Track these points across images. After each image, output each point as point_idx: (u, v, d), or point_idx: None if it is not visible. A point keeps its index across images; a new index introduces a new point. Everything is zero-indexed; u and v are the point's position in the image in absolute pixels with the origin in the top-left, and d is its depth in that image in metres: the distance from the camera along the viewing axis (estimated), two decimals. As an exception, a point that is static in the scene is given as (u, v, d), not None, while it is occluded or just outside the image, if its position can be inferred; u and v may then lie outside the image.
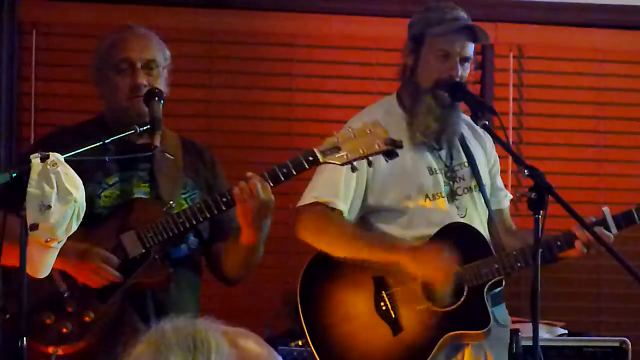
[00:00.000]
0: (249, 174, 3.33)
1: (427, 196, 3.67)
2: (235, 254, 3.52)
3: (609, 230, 3.54)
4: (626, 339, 4.24)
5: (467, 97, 3.68)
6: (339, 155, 3.26)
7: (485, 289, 3.59)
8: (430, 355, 3.57)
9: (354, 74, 4.95)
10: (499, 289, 3.70)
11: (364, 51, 4.96)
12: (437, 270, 3.56)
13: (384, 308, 3.62)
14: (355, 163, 3.26)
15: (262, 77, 4.92)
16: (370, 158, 3.28)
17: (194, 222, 3.38)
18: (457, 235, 3.64)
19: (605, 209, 3.52)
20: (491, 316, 3.58)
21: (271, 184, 3.32)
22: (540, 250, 3.52)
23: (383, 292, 3.62)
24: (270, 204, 3.33)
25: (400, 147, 3.27)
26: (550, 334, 4.35)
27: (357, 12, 4.96)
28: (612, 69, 5.11)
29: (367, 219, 3.72)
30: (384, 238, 3.63)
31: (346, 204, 3.66)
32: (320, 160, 3.28)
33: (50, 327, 3.37)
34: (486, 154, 3.83)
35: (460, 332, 3.59)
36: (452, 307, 3.58)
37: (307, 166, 3.31)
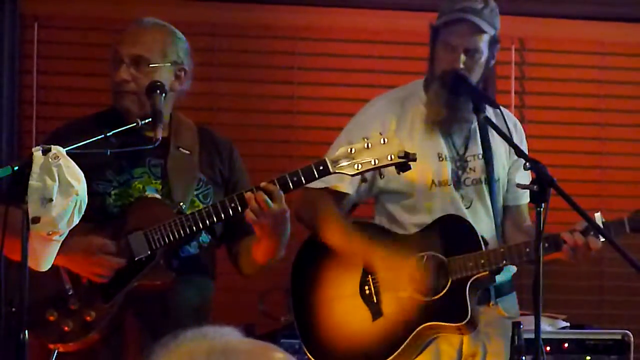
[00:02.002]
0: (263, 184, 3.29)
1: (433, 182, 3.67)
2: (252, 257, 3.52)
3: (598, 236, 3.52)
4: (628, 332, 4.24)
5: (469, 89, 3.67)
6: (351, 165, 3.25)
7: (469, 283, 3.58)
8: (404, 344, 3.56)
9: (357, 67, 4.95)
10: (505, 279, 3.70)
11: (367, 44, 4.96)
12: (403, 281, 3.56)
13: (367, 292, 3.63)
14: (366, 174, 3.26)
15: (265, 70, 4.92)
16: (382, 170, 3.27)
17: (201, 227, 3.36)
18: (450, 228, 3.63)
19: (597, 214, 3.48)
20: (470, 309, 3.56)
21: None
22: (527, 250, 3.53)
23: (369, 276, 3.63)
24: (285, 213, 3.31)
25: (414, 160, 3.26)
26: (552, 326, 4.35)
27: (360, 5, 4.96)
28: (614, 62, 5.11)
29: (379, 198, 3.74)
30: (360, 236, 3.62)
31: (353, 187, 3.67)
32: (331, 170, 3.27)
33: (53, 324, 3.36)
34: (508, 147, 3.80)
35: (436, 323, 3.57)
36: (434, 297, 3.58)
37: (317, 175, 3.30)
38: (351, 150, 3.25)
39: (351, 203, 3.75)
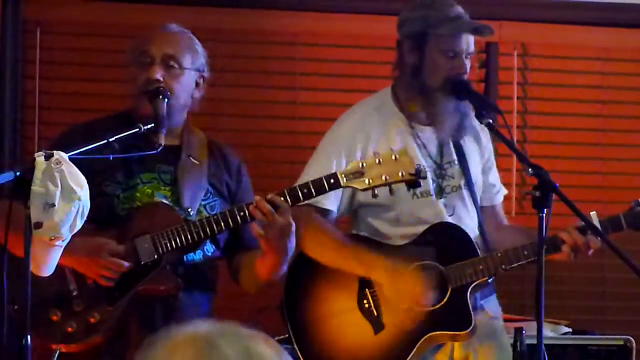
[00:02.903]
0: (269, 196, 3.28)
1: (414, 194, 3.66)
2: (254, 272, 3.51)
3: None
4: (630, 338, 4.24)
5: (472, 95, 3.68)
6: (361, 180, 3.25)
7: (469, 290, 3.57)
8: (410, 355, 3.56)
9: (358, 73, 4.95)
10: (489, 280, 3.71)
11: (368, 49, 4.95)
12: (410, 294, 3.56)
13: (366, 306, 3.62)
14: (376, 190, 3.26)
15: (266, 75, 4.92)
16: (392, 186, 3.27)
17: (209, 233, 3.36)
18: (443, 235, 3.63)
19: (593, 213, 3.48)
20: (473, 317, 3.55)
21: (290, 203, 3.31)
22: (525, 253, 3.53)
23: (367, 289, 3.63)
24: (291, 227, 3.31)
25: (424, 177, 3.27)
26: (554, 332, 4.34)
27: (361, 11, 4.95)
28: (616, 68, 5.11)
29: (358, 212, 3.73)
30: (366, 252, 3.61)
31: (336, 203, 3.67)
32: (342, 184, 3.28)
33: (56, 325, 3.36)
34: (480, 149, 3.82)
35: (441, 332, 3.57)
36: (435, 307, 3.58)
37: (327, 188, 3.31)
38: (362, 165, 3.25)
39: (335, 220, 3.74)
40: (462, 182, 3.72)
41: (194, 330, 1.61)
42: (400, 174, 3.23)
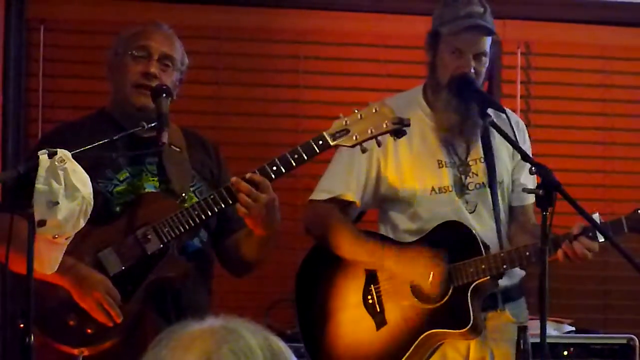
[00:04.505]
0: (248, 175, 3.30)
1: (433, 189, 3.67)
2: (250, 244, 3.52)
3: (596, 238, 3.52)
4: (633, 336, 4.24)
5: (475, 94, 3.67)
6: (348, 137, 3.28)
7: (470, 289, 3.58)
8: (409, 352, 3.58)
9: (361, 71, 4.96)
10: (512, 284, 3.70)
11: (371, 48, 4.96)
12: (420, 269, 3.57)
13: (370, 301, 3.64)
14: (364, 144, 3.29)
15: (270, 74, 4.92)
16: (379, 138, 3.30)
17: (210, 214, 3.36)
18: (450, 234, 3.63)
19: (595, 215, 3.49)
20: (472, 316, 3.55)
21: (284, 170, 3.32)
22: (527, 254, 3.53)
23: (372, 285, 3.65)
24: (274, 201, 3.33)
25: (408, 125, 3.28)
26: (557, 331, 4.35)
27: (365, 9, 4.96)
28: (619, 66, 5.11)
29: (383, 207, 3.76)
30: (379, 247, 3.64)
31: (358, 194, 3.69)
32: (330, 143, 3.30)
33: (74, 329, 3.33)
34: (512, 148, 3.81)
35: (440, 330, 3.58)
36: (436, 305, 3.58)
37: (317, 150, 3.32)
38: (346, 122, 3.28)
39: (357, 212, 3.77)
40: (487, 180, 3.72)
41: (210, 324, 1.63)
42: (384, 125, 3.27)
